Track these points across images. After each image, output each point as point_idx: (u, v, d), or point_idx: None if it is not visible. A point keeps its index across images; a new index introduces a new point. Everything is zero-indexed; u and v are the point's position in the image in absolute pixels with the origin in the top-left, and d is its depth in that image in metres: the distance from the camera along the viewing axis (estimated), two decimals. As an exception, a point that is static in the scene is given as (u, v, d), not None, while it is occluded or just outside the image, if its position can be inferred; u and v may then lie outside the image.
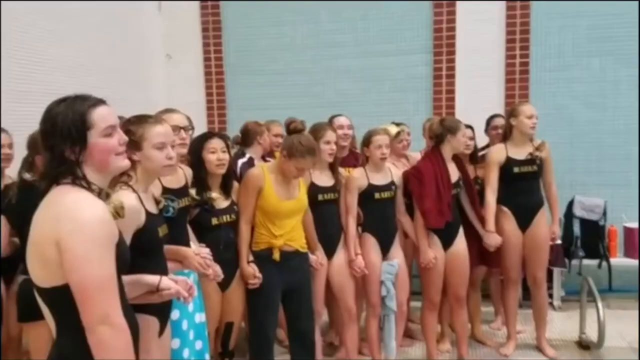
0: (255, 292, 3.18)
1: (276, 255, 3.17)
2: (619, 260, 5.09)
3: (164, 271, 2.19)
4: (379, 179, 3.65)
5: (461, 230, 3.85)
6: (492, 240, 3.90)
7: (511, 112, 4.01)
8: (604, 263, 5.02)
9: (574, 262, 5.01)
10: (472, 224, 3.96)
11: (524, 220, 3.99)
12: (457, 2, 5.60)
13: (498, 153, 3.99)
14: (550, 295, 5.02)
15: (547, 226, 4.05)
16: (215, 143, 3.01)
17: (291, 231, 3.21)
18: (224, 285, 3.07)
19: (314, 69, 5.96)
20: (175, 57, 6.16)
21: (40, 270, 1.54)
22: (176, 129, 2.70)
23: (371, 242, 3.65)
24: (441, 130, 3.72)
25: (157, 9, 6.11)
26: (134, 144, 2.21)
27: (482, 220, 3.94)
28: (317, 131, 3.44)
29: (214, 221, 3.02)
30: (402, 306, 3.77)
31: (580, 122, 5.50)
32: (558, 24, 5.49)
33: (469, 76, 5.60)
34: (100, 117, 1.60)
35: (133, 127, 2.25)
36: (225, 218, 3.06)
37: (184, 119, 2.83)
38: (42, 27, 4.27)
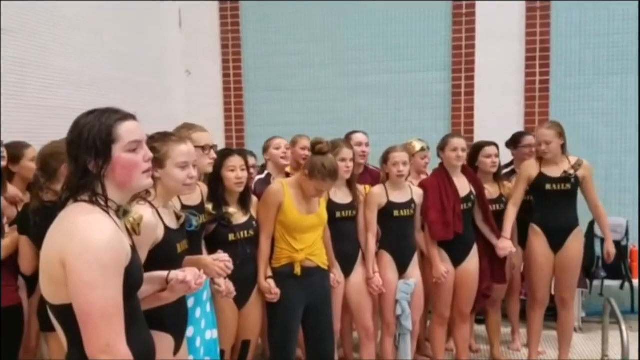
0: (276, 309, 3.16)
1: (297, 270, 3.14)
2: (641, 281, 4.99)
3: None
4: (398, 197, 3.63)
5: (474, 249, 3.82)
6: (504, 243, 3.84)
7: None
8: (626, 284, 4.93)
9: (596, 282, 4.92)
10: (488, 242, 3.91)
11: (556, 241, 3.90)
12: (476, 19, 5.60)
13: (530, 168, 3.95)
14: (571, 316, 4.93)
15: (580, 248, 3.96)
16: (235, 161, 2.99)
17: (312, 246, 3.20)
18: (240, 302, 3.05)
19: (332, 85, 5.98)
20: (194, 73, 6.22)
21: (50, 287, 1.52)
22: (207, 147, 2.73)
23: (388, 259, 3.62)
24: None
25: (178, 25, 6.18)
26: (156, 161, 2.21)
27: (496, 232, 3.89)
28: (332, 148, 3.43)
29: (231, 237, 3.00)
30: (415, 325, 3.74)
31: (601, 141, 5.44)
32: (579, 42, 5.46)
33: (488, 93, 5.57)
34: (127, 131, 1.58)
35: (157, 145, 2.25)
36: (243, 234, 3.04)
37: (210, 137, 2.84)
38: (62, 41, 4.32)
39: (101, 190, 1.56)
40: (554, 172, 3.87)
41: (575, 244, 3.90)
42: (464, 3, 5.63)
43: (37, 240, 2.82)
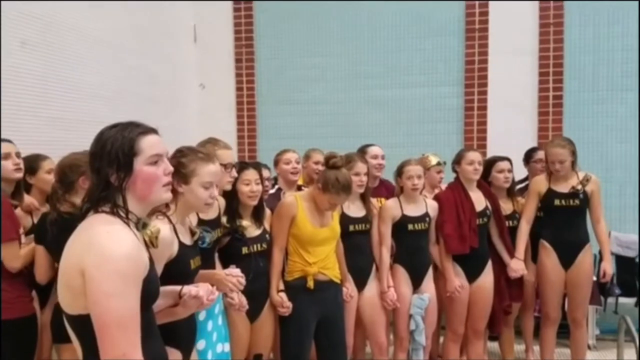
0: (288, 323, 3.15)
1: (310, 283, 3.14)
2: (656, 299, 4.92)
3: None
4: (413, 210, 3.63)
5: (489, 265, 3.80)
6: (517, 265, 3.81)
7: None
8: (641, 301, 4.88)
9: (610, 300, 4.87)
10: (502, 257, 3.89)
11: (567, 257, 3.87)
12: (489, 35, 5.61)
13: (539, 183, 3.93)
14: (585, 334, 4.88)
15: (591, 264, 3.93)
16: (250, 175, 2.99)
17: (325, 259, 3.19)
18: (253, 316, 3.04)
19: (345, 99, 6.01)
20: (208, 86, 6.27)
21: (67, 297, 1.52)
22: (229, 166, 2.76)
23: (402, 273, 3.61)
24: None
25: (193, 40, 6.25)
26: (182, 177, 2.23)
27: (510, 251, 3.86)
28: (346, 162, 3.43)
29: (245, 250, 2.99)
30: (427, 340, 3.72)
31: (615, 157, 5.42)
32: (592, 58, 5.45)
33: (501, 108, 5.58)
34: (148, 144, 1.61)
35: (185, 160, 2.27)
36: (256, 247, 3.04)
37: (233, 155, 2.87)
38: (78, 54, 4.37)
39: (122, 202, 1.58)
40: (563, 187, 3.85)
41: (585, 260, 3.86)
42: (477, 18, 5.65)
43: (53, 251, 2.84)
